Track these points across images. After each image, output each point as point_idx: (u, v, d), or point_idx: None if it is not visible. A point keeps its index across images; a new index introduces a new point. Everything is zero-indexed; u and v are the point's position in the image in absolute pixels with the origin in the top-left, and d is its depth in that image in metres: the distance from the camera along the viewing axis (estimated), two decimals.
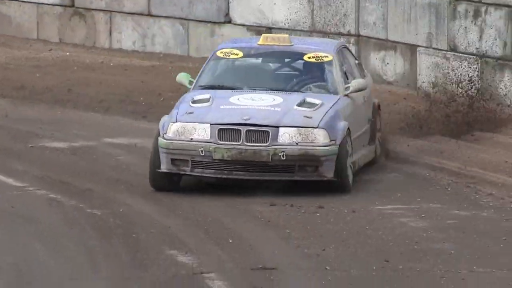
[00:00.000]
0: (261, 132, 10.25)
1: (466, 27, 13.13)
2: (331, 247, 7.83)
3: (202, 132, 10.37)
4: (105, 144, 13.40)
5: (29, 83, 16.20)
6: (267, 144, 10.15)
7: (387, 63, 13.98)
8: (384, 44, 14.09)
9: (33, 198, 10.69)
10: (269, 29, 14.75)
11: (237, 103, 10.58)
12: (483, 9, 13.22)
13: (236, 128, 10.30)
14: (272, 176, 10.26)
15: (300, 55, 11.41)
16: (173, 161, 10.17)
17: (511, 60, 13.64)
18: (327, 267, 7.48)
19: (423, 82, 13.46)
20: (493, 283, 7.57)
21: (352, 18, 14.24)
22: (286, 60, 11.72)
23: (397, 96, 14.65)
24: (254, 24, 15.23)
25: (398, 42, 13.93)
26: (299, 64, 11.44)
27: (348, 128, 10.38)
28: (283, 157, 10.08)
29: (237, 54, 11.56)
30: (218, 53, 11.41)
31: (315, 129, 10.13)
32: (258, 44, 11.47)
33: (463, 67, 13.34)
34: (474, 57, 13.25)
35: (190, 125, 10.33)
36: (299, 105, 10.34)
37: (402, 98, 14.63)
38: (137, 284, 8.31)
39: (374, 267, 7.80)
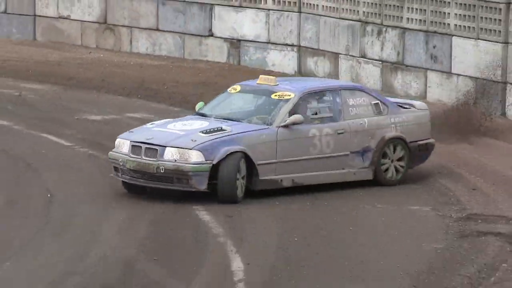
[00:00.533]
0: (152, 150, 12.03)
1: (372, 41, 17.81)
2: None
3: (125, 147, 12.25)
4: (127, 117, 17.29)
5: (75, 75, 20.28)
6: (155, 159, 11.95)
7: (318, 66, 18.43)
8: (317, 52, 18.35)
9: (78, 154, 14.71)
10: (239, 41, 19.34)
11: (160, 127, 12.51)
12: (383, 29, 17.77)
13: (139, 145, 12.09)
14: (159, 184, 12.08)
15: (270, 93, 12.69)
16: (114, 168, 12.15)
17: (402, 64, 17.56)
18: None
19: (342, 78, 17.90)
20: (385, 214, 11.54)
21: (295, 34, 18.80)
22: (261, 96, 12.94)
23: None
24: (229, 37, 19.60)
25: (326, 51, 18.21)
26: (266, 99, 12.76)
27: (242, 152, 11.75)
28: (162, 170, 11.83)
29: (236, 89, 13.26)
30: (229, 88, 13.26)
31: (189, 150, 11.78)
32: (256, 83, 13.03)
33: (370, 68, 18.14)
34: (378, 62, 17.75)
35: (122, 141, 12.18)
36: (205, 131, 12.06)
37: None
38: (148, 214, 11.34)
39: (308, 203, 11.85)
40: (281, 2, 19.71)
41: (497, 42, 16.50)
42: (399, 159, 12.76)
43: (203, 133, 12.02)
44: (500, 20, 16.47)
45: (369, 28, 18.29)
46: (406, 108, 13.45)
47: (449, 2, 17.15)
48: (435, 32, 17.50)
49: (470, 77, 16.86)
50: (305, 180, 12.32)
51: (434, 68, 17.72)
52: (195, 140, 11.75)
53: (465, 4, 16.88)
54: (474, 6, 16.62)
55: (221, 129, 12.04)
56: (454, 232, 12.08)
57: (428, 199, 13.11)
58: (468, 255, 11.31)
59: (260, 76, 13.33)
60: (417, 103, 13.86)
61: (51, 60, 21.95)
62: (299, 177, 12.36)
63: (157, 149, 11.93)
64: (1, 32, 23.25)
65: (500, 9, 16.29)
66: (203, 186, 11.62)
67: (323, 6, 19.25)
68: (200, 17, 20.68)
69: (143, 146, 12.05)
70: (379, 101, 12.78)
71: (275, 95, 12.54)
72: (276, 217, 11.77)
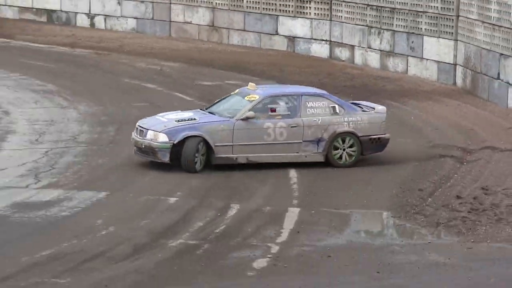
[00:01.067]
0: (142, 131, 14.20)
1: (374, 38, 23.62)
2: None
3: (135, 131, 14.51)
4: (226, 83, 22.15)
5: (197, 57, 25.85)
6: (142, 138, 14.09)
7: (342, 53, 24.55)
8: (341, 45, 24.44)
9: (195, 105, 18.32)
10: (293, 38, 25.44)
11: (158, 116, 14.75)
12: (382, 31, 23.49)
13: (137, 127, 14.39)
14: (143, 156, 14.30)
15: (245, 95, 14.74)
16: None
17: (393, 52, 22.88)
18: None
19: (357, 62, 24.16)
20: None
21: (327, 33, 24.88)
22: (242, 98, 14.82)
23: None
24: (287, 35, 25.72)
25: (347, 44, 24.42)
26: (241, 100, 14.76)
27: (199, 136, 13.64)
28: (143, 146, 14.04)
29: (235, 92, 15.50)
30: (233, 92, 15.58)
31: (159, 133, 13.87)
32: (247, 88, 14.98)
33: (373, 55, 23.69)
34: (378, 51, 23.41)
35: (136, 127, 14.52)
36: (178, 120, 14.15)
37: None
38: None
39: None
40: (319, 14, 25.81)
41: (450, 39, 22.03)
42: (351, 147, 14.62)
43: (176, 121, 14.16)
44: (452, 26, 21.92)
45: (372, 30, 24.36)
46: (365, 110, 15.19)
47: (421, 15, 22.58)
48: (413, 33, 23.02)
49: (434, 60, 22.49)
50: (260, 159, 14.29)
51: (412, 55, 23.26)
52: (166, 126, 14.05)
53: (431, 17, 22.26)
54: (436, 17, 22.02)
55: (192, 119, 14.21)
56: (425, 155, 16.49)
57: (409, 137, 17.67)
58: (433, 169, 15.48)
59: (249, 83, 15.45)
60: (378, 107, 15.45)
61: (180, 48, 28.10)
62: (254, 157, 14.30)
63: (143, 131, 14.24)
64: (150, 31, 29.85)
65: (452, 19, 21.78)
66: (166, 159, 13.89)
67: (345, 16, 25.20)
68: (270, 23, 26.99)
69: (139, 128, 14.46)
70: (336, 105, 14.66)
71: (247, 97, 14.66)
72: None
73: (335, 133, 14.46)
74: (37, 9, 32.41)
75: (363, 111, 15.01)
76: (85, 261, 11.34)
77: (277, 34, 27.23)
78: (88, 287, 10.45)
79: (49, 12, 32.17)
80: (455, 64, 22.16)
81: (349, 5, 25.18)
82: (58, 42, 28.93)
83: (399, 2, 23.55)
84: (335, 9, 25.55)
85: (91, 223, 12.65)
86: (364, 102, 15.94)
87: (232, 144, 14.21)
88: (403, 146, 17.22)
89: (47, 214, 12.93)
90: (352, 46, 25.44)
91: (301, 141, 14.42)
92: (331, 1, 25.71)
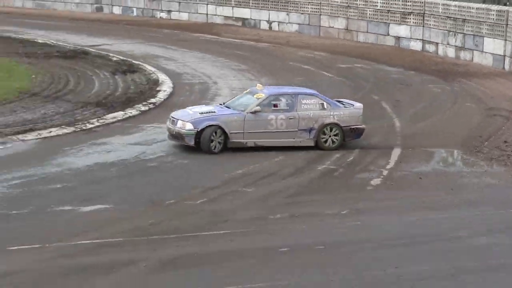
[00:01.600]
0: (174, 121, 16.15)
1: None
2: None
3: (169, 120, 16.51)
4: (355, 66, 27.92)
5: (336, 50, 31.57)
6: (173, 126, 16.10)
7: None
8: None
9: (336, 81, 25.05)
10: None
11: (187, 109, 16.87)
12: None
13: (169, 118, 16.46)
14: (175, 140, 16.30)
15: (254, 94, 16.95)
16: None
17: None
18: None
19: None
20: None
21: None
22: (252, 96, 17.00)
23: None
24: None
25: None
26: (251, 98, 16.95)
27: (217, 125, 15.77)
28: (174, 133, 16.07)
29: (246, 91, 17.76)
30: (246, 90, 17.76)
31: (186, 122, 15.76)
32: (256, 88, 17.30)
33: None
34: None
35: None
36: (201, 113, 16.24)
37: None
38: None
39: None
40: (415, 22, 32.20)
41: (502, 39, 27.86)
42: (335, 135, 16.52)
43: (200, 113, 16.14)
44: (503, 31, 27.69)
45: (450, 33, 30.78)
46: (346, 106, 17.13)
47: (482, 23, 28.65)
48: (477, 35, 29.25)
49: (491, 53, 28.80)
50: (264, 143, 16.21)
51: (476, 49, 29.56)
52: (192, 117, 15.97)
53: (489, 24, 28.40)
54: (493, 25, 28.12)
55: (212, 112, 16.27)
56: (484, 115, 20.47)
57: (473, 103, 21.60)
58: (489, 124, 19.30)
59: (257, 84, 18.04)
60: (356, 104, 17.40)
61: (326, 44, 33.92)
62: (260, 141, 16.24)
63: (174, 121, 16.19)
64: (307, 32, 36.86)
65: (503, 26, 27.52)
66: (191, 143, 15.77)
67: (432, 24, 31.59)
68: (384, 27, 33.73)
69: (171, 118, 16.44)
70: (324, 102, 16.57)
71: (256, 96, 16.71)
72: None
73: (323, 123, 16.39)
74: (236, 17, 41.71)
75: (345, 107, 17.00)
76: (263, 178, 14.72)
77: (388, 35, 34.84)
78: (267, 195, 13.33)
79: (243, 19, 41.18)
80: (504, 55, 28.02)
81: (435, 17, 32.10)
82: (248, 39, 36.32)
83: (468, 15, 29.89)
84: (426, 19, 32.77)
85: (269, 154, 16.31)
86: (346, 100, 17.93)
87: (243, 131, 16.10)
88: (468, 109, 21.77)
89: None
90: (437, 43, 32.38)
91: (297, 129, 16.33)
92: (423, 14, 32.69)
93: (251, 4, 39.79)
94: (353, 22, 36.20)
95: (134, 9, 44.61)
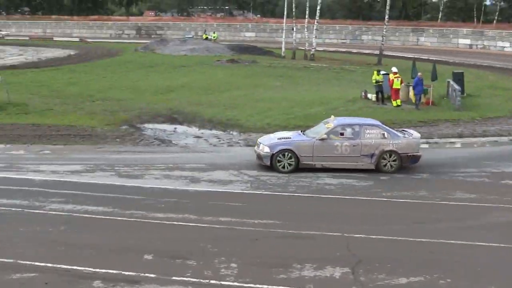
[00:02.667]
0: (259, 145, 19.92)
1: None
2: None
3: (257, 145, 20.08)
4: None
5: None
6: (258, 149, 19.76)
7: None
8: None
9: None
10: None
11: (271, 134, 20.87)
12: None
13: (257, 143, 20.10)
14: (259, 161, 19.52)
15: (326, 123, 20.15)
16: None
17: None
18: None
19: None
20: None
21: None
22: (324, 125, 20.11)
23: None
24: None
25: None
26: (323, 127, 20.02)
27: (289, 149, 19.03)
28: (256, 154, 19.76)
29: (323, 121, 20.85)
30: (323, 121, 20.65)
31: (265, 146, 19.44)
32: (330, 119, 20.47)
33: None
34: None
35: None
36: (279, 138, 19.86)
37: None
38: None
39: None
40: None
41: None
42: (394, 161, 19.44)
43: (277, 139, 19.75)
44: None
45: None
46: (405, 135, 19.98)
47: None
48: None
49: None
50: (330, 166, 19.20)
51: None
52: (270, 142, 19.55)
53: None
54: None
55: (288, 138, 19.72)
56: None
57: None
58: None
59: (331, 115, 21.28)
60: (416, 134, 20.42)
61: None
62: (327, 164, 19.24)
63: (259, 145, 19.82)
64: None
65: None
66: (268, 163, 19.22)
67: None
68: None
69: (257, 142, 20.20)
70: (385, 132, 19.49)
71: (327, 125, 19.95)
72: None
73: (383, 150, 19.39)
74: None
75: (404, 136, 19.93)
76: None
77: None
78: None
79: None
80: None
81: None
82: None
83: None
84: None
85: None
86: (409, 130, 21.28)
87: (312, 155, 19.23)
88: None
89: None
90: None
91: (359, 155, 19.27)
92: None
93: None
94: None
95: None
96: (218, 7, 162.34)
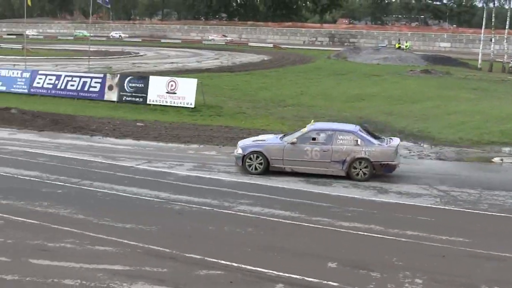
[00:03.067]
0: (235, 147, 20.60)
1: None
2: None
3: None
4: None
5: None
6: (234, 151, 20.47)
7: None
8: None
9: None
10: None
11: (252, 137, 21.53)
12: None
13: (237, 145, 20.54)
14: (235, 163, 20.05)
15: (302, 128, 20.14)
16: None
17: None
18: None
19: None
20: None
21: None
22: (301, 129, 20.17)
23: None
24: None
25: None
26: (298, 131, 20.25)
27: (259, 151, 19.43)
28: (233, 155, 20.49)
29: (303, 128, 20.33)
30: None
31: (239, 148, 20.11)
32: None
33: None
34: None
35: None
36: (254, 141, 20.32)
37: None
38: None
39: None
40: None
41: None
42: (365, 168, 18.99)
43: (252, 141, 20.27)
44: None
45: None
46: (382, 143, 19.40)
47: None
48: None
49: None
50: (300, 170, 19.29)
51: None
52: (244, 144, 20.11)
53: None
54: None
55: (262, 140, 20.14)
56: None
57: None
58: None
59: (312, 120, 21.40)
60: (394, 143, 19.71)
61: None
62: (296, 168, 19.39)
63: (236, 147, 20.42)
64: None
65: None
66: (240, 164, 19.75)
67: None
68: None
69: (238, 145, 20.56)
70: (359, 139, 19.14)
71: (302, 130, 19.99)
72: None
73: (354, 157, 19.03)
74: None
75: (380, 144, 19.39)
76: None
77: None
78: None
79: None
80: None
81: None
82: None
83: None
84: None
85: None
86: (394, 138, 20.75)
87: (282, 158, 19.47)
88: None
89: None
90: None
91: (330, 161, 19.12)
92: None
93: None
94: None
95: None
96: (412, 16, 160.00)
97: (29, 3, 41.37)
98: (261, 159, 19.48)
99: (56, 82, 37.07)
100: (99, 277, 11.06)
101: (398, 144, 19.84)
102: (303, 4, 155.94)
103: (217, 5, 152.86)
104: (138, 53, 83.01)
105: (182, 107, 32.40)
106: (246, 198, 16.62)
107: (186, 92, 32.86)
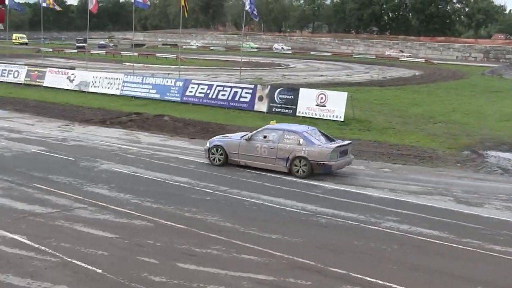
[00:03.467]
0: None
1: None
2: None
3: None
4: None
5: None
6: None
7: None
8: None
9: None
10: None
11: (225, 135, 23.33)
12: None
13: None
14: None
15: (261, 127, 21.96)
16: None
17: None
18: None
19: None
20: None
21: None
22: (267, 128, 21.72)
23: None
24: None
25: None
26: (257, 129, 22.27)
27: (220, 145, 21.69)
28: (204, 149, 22.50)
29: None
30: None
31: (208, 141, 22.60)
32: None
33: None
34: None
35: None
36: (223, 136, 22.66)
37: None
38: None
39: None
40: None
41: None
42: (304, 165, 20.31)
43: (222, 136, 22.80)
44: None
45: None
46: (321, 144, 20.50)
47: None
48: None
49: None
50: (251, 164, 21.24)
51: None
52: (213, 139, 22.48)
53: None
54: None
55: (227, 136, 22.66)
56: None
57: None
58: None
59: (272, 121, 23.02)
60: (333, 145, 20.62)
61: None
62: (248, 162, 21.35)
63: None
64: None
65: None
66: (206, 156, 22.04)
67: None
68: None
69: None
70: (301, 139, 20.57)
71: (259, 128, 22.00)
72: None
73: (295, 155, 20.50)
74: None
75: (319, 145, 20.60)
76: None
77: None
78: None
79: None
80: None
81: None
82: None
83: None
84: None
85: None
86: (340, 140, 22.02)
87: (237, 153, 21.54)
88: None
89: None
90: None
91: (275, 157, 20.82)
92: None
93: None
94: None
95: None
96: None
97: (186, 14, 42.63)
98: (221, 153, 21.70)
99: (208, 91, 38.18)
100: (244, 285, 11.20)
101: (341, 146, 20.83)
102: (457, 19, 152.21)
103: (368, 19, 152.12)
104: (288, 65, 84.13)
105: (331, 120, 32.45)
106: (394, 215, 16.37)
107: (336, 105, 32.92)
